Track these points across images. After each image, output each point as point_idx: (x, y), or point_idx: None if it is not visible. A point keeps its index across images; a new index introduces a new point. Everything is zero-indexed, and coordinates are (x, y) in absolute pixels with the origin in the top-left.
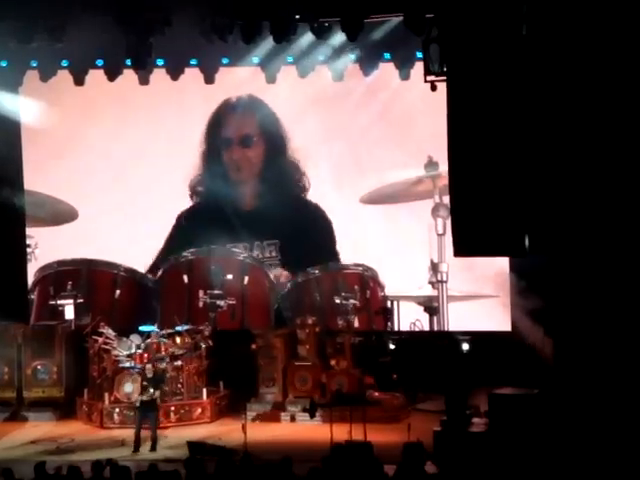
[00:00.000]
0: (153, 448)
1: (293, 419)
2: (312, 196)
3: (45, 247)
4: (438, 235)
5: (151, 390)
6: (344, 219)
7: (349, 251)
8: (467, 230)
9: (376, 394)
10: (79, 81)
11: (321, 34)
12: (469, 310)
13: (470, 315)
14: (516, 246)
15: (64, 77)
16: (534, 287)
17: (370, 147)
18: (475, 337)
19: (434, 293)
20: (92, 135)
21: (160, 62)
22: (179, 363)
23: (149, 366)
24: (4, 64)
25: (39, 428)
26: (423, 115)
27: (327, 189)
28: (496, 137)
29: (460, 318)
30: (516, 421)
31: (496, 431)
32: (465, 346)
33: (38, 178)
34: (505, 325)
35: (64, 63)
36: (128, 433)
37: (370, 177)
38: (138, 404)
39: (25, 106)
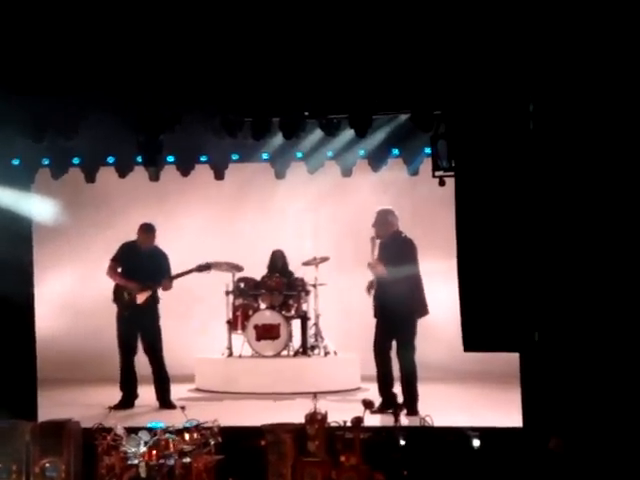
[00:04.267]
0: None
1: None
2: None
3: None
4: None
5: None
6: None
7: None
8: (476, 325)
9: None
10: (90, 178)
11: (330, 130)
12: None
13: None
14: (525, 342)
15: (75, 175)
16: (545, 383)
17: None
18: (485, 432)
19: None
20: (104, 232)
21: (170, 159)
22: (187, 460)
23: (142, 464)
24: (16, 162)
25: None
26: (432, 211)
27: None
28: (504, 232)
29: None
30: None
31: None
32: (475, 442)
33: (49, 276)
34: (516, 421)
35: (75, 161)
36: None
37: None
38: None
39: (37, 204)
